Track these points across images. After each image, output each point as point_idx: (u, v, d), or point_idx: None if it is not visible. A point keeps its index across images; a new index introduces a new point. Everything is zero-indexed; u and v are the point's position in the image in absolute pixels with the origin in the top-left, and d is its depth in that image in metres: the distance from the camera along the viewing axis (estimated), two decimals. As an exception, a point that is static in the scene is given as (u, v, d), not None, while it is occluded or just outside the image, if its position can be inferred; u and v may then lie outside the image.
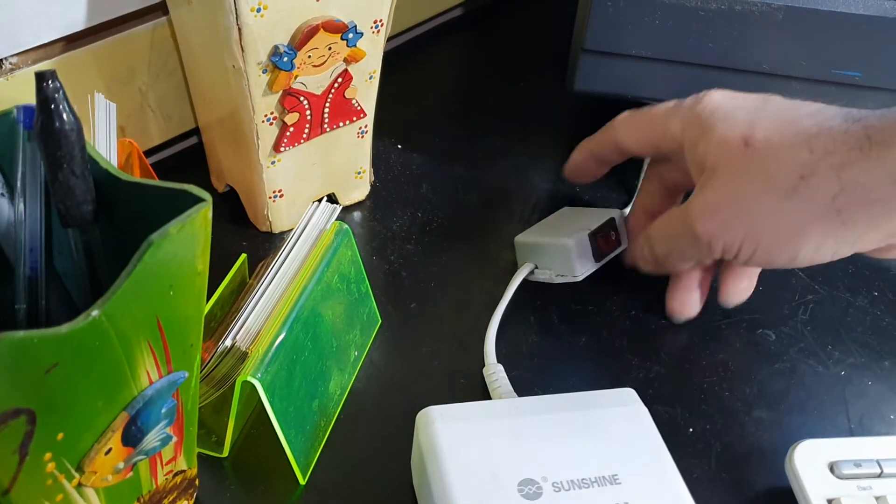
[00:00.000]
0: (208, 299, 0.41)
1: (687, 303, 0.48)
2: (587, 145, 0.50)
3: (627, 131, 0.47)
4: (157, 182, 0.30)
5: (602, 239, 0.49)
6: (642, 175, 0.53)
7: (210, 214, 0.28)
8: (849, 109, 0.39)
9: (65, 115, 0.29)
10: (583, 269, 0.49)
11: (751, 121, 0.41)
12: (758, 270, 0.49)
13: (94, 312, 0.26)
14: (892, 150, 0.37)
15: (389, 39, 0.70)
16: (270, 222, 0.52)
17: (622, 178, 0.58)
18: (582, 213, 0.53)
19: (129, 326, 0.27)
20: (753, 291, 0.51)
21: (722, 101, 0.43)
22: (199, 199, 0.28)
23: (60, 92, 0.29)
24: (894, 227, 0.39)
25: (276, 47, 0.44)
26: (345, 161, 0.53)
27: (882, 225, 0.39)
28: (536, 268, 0.50)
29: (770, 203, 0.39)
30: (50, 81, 0.29)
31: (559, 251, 0.49)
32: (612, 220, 0.50)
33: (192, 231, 0.28)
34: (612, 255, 0.50)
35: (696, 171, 0.43)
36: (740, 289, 0.48)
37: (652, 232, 0.46)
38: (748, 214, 0.40)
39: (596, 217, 0.50)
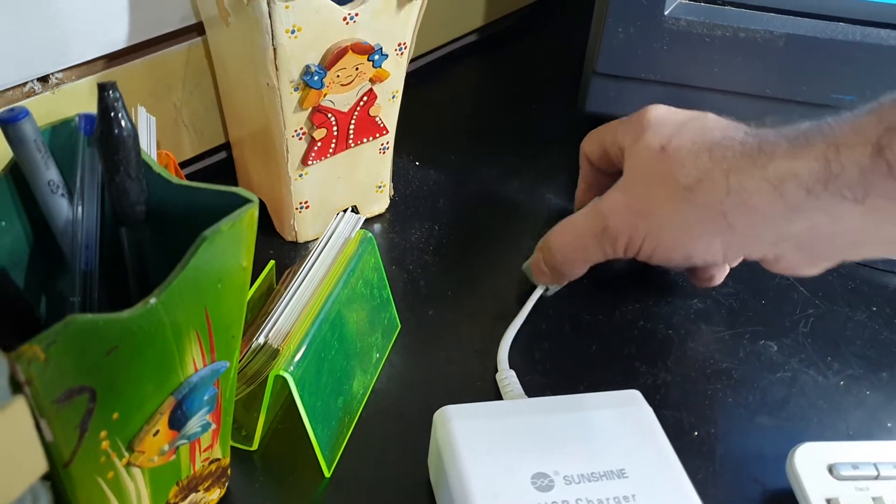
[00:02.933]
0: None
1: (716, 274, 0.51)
2: (581, 177, 0.54)
3: (587, 142, 0.52)
4: (207, 185, 0.32)
5: None
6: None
7: (256, 214, 0.31)
8: (758, 125, 0.42)
9: (123, 123, 0.32)
10: None
11: (673, 132, 0.44)
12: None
13: (152, 300, 0.28)
14: (774, 160, 0.39)
15: (411, 62, 0.74)
16: (296, 232, 0.55)
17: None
18: None
19: (181, 315, 0.30)
20: (757, 305, 0.54)
21: (658, 114, 0.46)
22: (247, 200, 0.31)
23: (119, 101, 0.32)
24: (773, 237, 0.41)
25: (307, 67, 0.46)
26: (367, 175, 0.56)
27: (761, 232, 0.41)
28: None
29: (669, 204, 0.43)
30: (111, 91, 0.31)
31: None
32: None
33: (241, 229, 0.30)
34: None
35: (625, 171, 0.47)
36: (708, 275, 0.51)
37: (551, 238, 0.49)
38: (651, 213, 0.43)
39: None
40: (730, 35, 0.51)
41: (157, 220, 0.35)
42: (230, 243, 0.30)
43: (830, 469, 0.42)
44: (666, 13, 0.51)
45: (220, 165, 0.61)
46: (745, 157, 0.40)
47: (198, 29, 0.54)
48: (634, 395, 0.42)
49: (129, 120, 0.32)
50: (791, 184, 0.39)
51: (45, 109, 0.48)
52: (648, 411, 0.41)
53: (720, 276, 0.51)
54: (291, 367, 0.39)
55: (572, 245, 0.48)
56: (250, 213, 0.30)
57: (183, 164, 0.59)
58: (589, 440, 0.39)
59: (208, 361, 0.33)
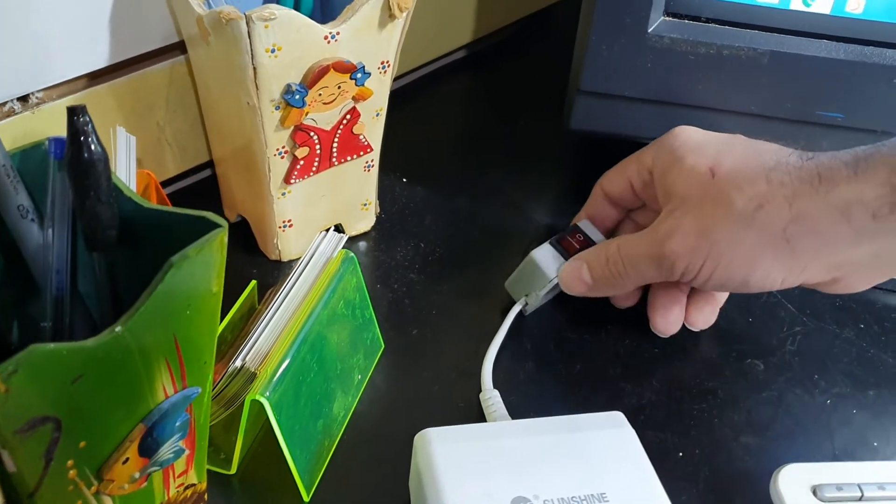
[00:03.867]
0: (219, 323, 0.44)
1: (671, 319, 0.50)
2: (582, 213, 0.54)
3: (606, 179, 0.52)
4: (177, 209, 0.32)
5: (565, 242, 0.51)
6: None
7: (226, 239, 0.31)
8: (804, 150, 0.43)
9: (93, 147, 0.31)
10: (555, 270, 0.51)
11: (718, 154, 0.45)
12: (722, 299, 0.52)
13: (118, 328, 0.28)
14: (837, 187, 0.40)
15: (397, 79, 0.73)
16: (280, 251, 0.54)
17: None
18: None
19: (149, 342, 0.30)
20: (744, 323, 0.54)
21: (691, 136, 0.47)
22: (216, 225, 0.30)
23: (90, 125, 0.31)
24: (836, 260, 0.42)
25: (288, 86, 0.46)
26: (352, 193, 0.55)
27: (825, 256, 0.42)
28: (527, 296, 0.52)
29: (730, 229, 0.43)
30: (80, 115, 0.31)
31: (530, 268, 0.51)
32: (575, 226, 0.52)
33: (209, 254, 0.30)
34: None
35: (664, 197, 0.47)
36: (704, 313, 0.51)
37: (603, 251, 0.49)
38: (711, 238, 0.43)
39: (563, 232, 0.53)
40: (714, 53, 0.51)
41: (129, 243, 0.34)
42: (199, 269, 0.30)
43: (814, 490, 0.42)
44: (649, 31, 0.51)
45: (204, 183, 0.60)
46: (806, 183, 0.41)
47: (181, 47, 0.54)
48: (617, 417, 0.42)
49: (100, 143, 0.32)
50: (857, 209, 0.40)
51: (25, 130, 0.48)
52: (631, 433, 0.41)
53: (714, 314, 0.52)
54: (268, 392, 0.38)
55: (626, 263, 0.47)
56: (220, 238, 0.30)
57: (166, 183, 0.58)
58: (570, 463, 0.39)
59: (179, 388, 0.33)
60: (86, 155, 0.31)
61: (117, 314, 0.29)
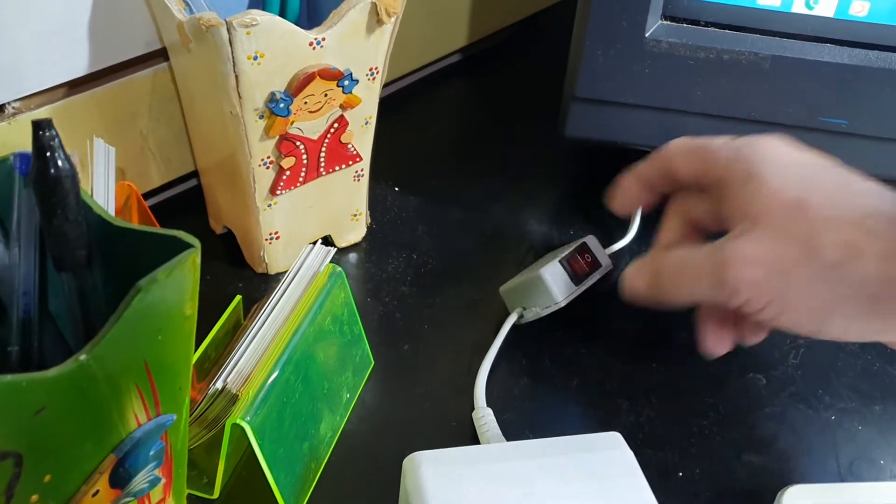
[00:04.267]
0: (202, 340, 0.42)
1: (723, 339, 0.46)
2: (639, 171, 0.48)
3: (683, 156, 0.45)
4: (147, 228, 0.30)
5: (575, 262, 0.49)
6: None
7: (198, 260, 0.29)
8: None
9: (60, 163, 0.30)
10: (562, 294, 0.49)
11: (807, 184, 0.40)
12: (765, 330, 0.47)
13: (83, 357, 0.26)
14: None
15: (389, 84, 0.72)
16: (267, 264, 0.53)
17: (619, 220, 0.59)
18: (560, 250, 0.53)
19: (118, 370, 0.28)
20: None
21: (778, 153, 0.41)
22: (188, 245, 0.29)
23: (56, 140, 0.30)
24: None
25: (272, 94, 0.45)
26: (341, 204, 0.54)
27: None
28: (524, 309, 0.50)
29: (809, 273, 0.38)
30: (46, 130, 0.30)
31: (536, 284, 0.49)
32: (583, 244, 0.51)
33: (181, 276, 0.28)
34: (593, 276, 0.50)
35: (734, 212, 0.42)
36: (721, 341, 0.46)
37: (669, 263, 0.44)
38: (784, 278, 0.39)
39: (570, 247, 0.51)
40: (713, 57, 0.49)
41: (102, 262, 0.33)
42: (169, 292, 0.28)
43: (820, 514, 0.40)
44: (647, 35, 0.49)
45: (189, 194, 0.59)
46: None
47: (164, 54, 0.52)
48: (615, 438, 0.40)
49: (67, 159, 0.30)
50: None
51: (1, 141, 0.46)
52: (629, 455, 0.39)
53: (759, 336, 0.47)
54: (249, 416, 0.37)
55: (685, 279, 0.43)
56: (191, 259, 0.29)
57: (151, 193, 0.57)
58: (566, 488, 0.37)
59: (153, 415, 0.31)
60: (52, 171, 0.30)
61: (89, 336, 0.27)
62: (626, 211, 0.49)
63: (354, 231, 0.56)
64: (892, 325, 0.38)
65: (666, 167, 0.46)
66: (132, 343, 0.28)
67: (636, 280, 0.45)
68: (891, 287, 0.37)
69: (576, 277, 0.49)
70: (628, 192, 0.48)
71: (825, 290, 0.38)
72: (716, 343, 0.46)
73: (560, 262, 0.49)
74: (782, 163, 0.41)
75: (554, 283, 0.48)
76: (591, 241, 0.51)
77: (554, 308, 0.49)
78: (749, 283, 0.39)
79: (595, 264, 0.50)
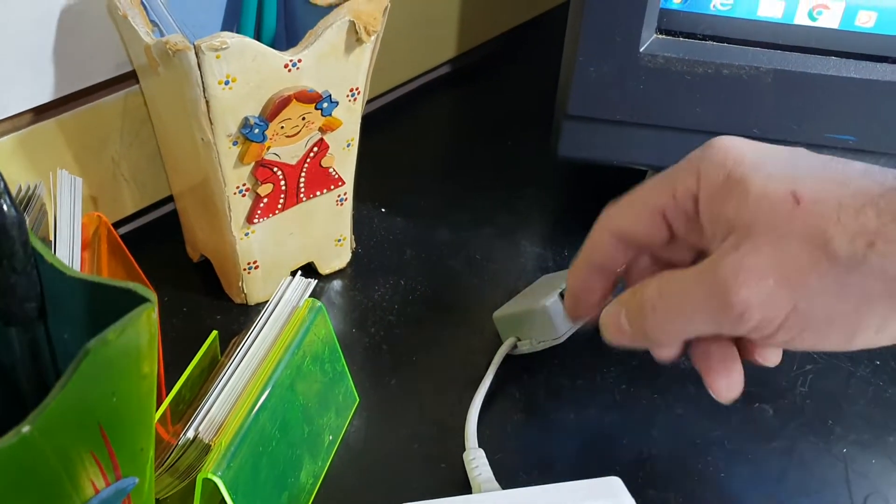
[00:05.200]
0: (176, 380, 0.40)
1: (735, 380, 0.39)
2: (580, 263, 0.42)
3: (620, 216, 0.40)
4: (100, 280, 0.28)
5: None
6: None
7: (154, 315, 0.26)
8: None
9: (5, 208, 0.27)
10: (564, 328, 0.45)
11: (792, 174, 0.34)
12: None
13: (25, 429, 0.24)
14: None
15: (375, 99, 0.69)
16: (245, 294, 0.50)
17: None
18: (557, 276, 0.50)
19: (67, 438, 0.25)
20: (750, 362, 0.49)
21: (744, 150, 0.36)
22: (143, 300, 0.26)
23: (1, 184, 0.27)
24: None
25: (246, 119, 0.42)
26: (323, 230, 0.51)
27: None
28: (518, 340, 0.47)
29: (827, 273, 0.32)
30: (-11, 174, 0.27)
31: (538, 317, 0.46)
32: None
33: (135, 334, 0.26)
34: None
35: (720, 229, 0.35)
36: (733, 382, 0.39)
37: (648, 294, 0.37)
38: (799, 285, 0.33)
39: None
40: (712, 72, 0.47)
41: (56, 311, 0.30)
42: (122, 353, 0.26)
43: (835, 561, 0.38)
44: (641, 50, 0.46)
45: (165, 220, 0.56)
46: None
47: (135, 75, 0.50)
48: (614, 484, 0.38)
49: (14, 206, 0.28)
50: None
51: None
52: (630, 503, 0.37)
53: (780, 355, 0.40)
54: (221, 471, 0.34)
55: (675, 311, 0.36)
56: (146, 314, 0.26)
57: (125, 221, 0.54)
58: (562, 541, 0.35)
59: (112, 480, 0.28)
60: (-3, 219, 0.27)
61: (42, 393, 0.24)
62: (588, 315, 0.42)
63: (338, 257, 0.54)
64: None
65: (609, 236, 0.40)
66: (83, 408, 0.26)
67: (617, 322, 0.38)
68: None
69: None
70: (583, 289, 0.42)
71: (852, 289, 0.32)
72: (729, 385, 0.39)
73: (561, 294, 0.46)
74: (754, 160, 0.35)
75: (557, 317, 0.45)
76: None
77: (552, 343, 0.46)
78: (759, 302, 0.33)
79: None
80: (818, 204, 0.33)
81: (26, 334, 0.30)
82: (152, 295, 0.27)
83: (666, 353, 0.39)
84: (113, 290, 0.27)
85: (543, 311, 0.45)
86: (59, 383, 0.24)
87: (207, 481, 0.34)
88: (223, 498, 0.40)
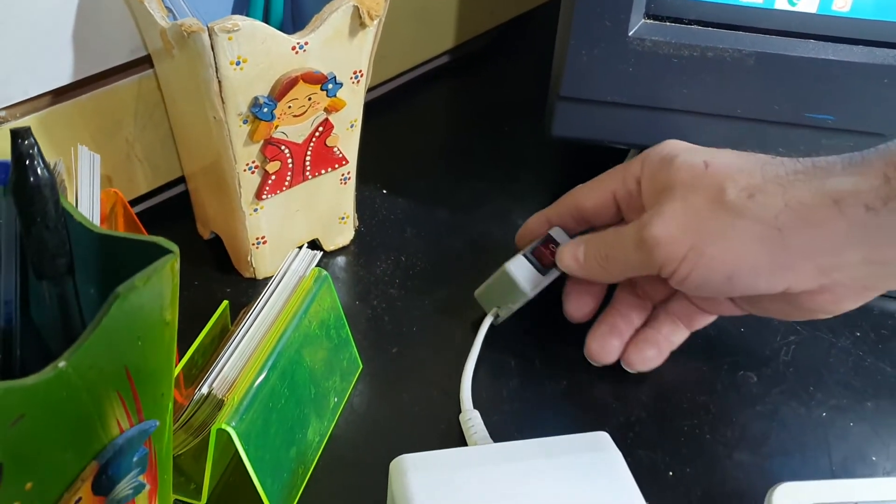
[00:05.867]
0: (189, 347, 0.42)
1: (607, 348, 0.49)
2: (542, 213, 0.52)
3: (582, 191, 0.50)
4: (126, 234, 0.30)
5: (540, 253, 0.49)
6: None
7: (177, 266, 0.29)
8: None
9: (39, 171, 0.30)
10: (530, 285, 0.49)
11: (710, 152, 0.43)
12: (673, 341, 0.49)
13: (61, 364, 0.26)
14: (832, 177, 0.39)
15: (377, 87, 0.72)
16: (254, 268, 0.53)
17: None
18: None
19: (98, 377, 0.28)
20: (736, 332, 0.52)
21: (682, 145, 0.45)
22: (167, 251, 0.29)
23: (35, 148, 0.30)
24: (826, 262, 0.40)
25: (256, 98, 0.44)
26: (328, 207, 0.54)
27: (816, 255, 0.40)
28: (499, 308, 0.50)
29: (719, 218, 0.41)
30: (24, 139, 0.29)
31: (503, 280, 0.49)
32: (548, 235, 0.50)
33: (159, 282, 0.28)
34: None
35: (653, 197, 0.45)
36: (646, 357, 0.48)
37: (601, 236, 0.47)
38: (697, 227, 0.41)
39: (536, 241, 0.51)
40: (697, 55, 0.49)
41: (83, 269, 0.33)
42: (147, 298, 0.28)
43: (811, 511, 0.40)
44: (630, 34, 0.49)
45: (176, 200, 0.58)
46: (801, 174, 0.40)
47: (149, 60, 0.52)
48: (602, 438, 0.40)
49: (46, 167, 0.30)
50: (850, 199, 0.38)
51: (-14, 149, 0.46)
52: (617, 455, 0.39)
53: (659, 358, 0.49)
54: (234, 421, 0.37)
55: (614, 248, 0.46)
56: (170, 265, 0.28)
57: (138, 200, 0.57)
58: (553, 488, 0.37)
59: (135, 421, 0.31)
60: (31, 179, 0.30)
61: (70, 344, 0.27)
62: (587, 312, 0.51)
63: (342, 234, 0.56)
64: (797, 260, 0.40)
65: (572, 205, 0.50)
66: (112, 350, 0.28)
67: (571, 253, 0.48)
68: (792, 212, 0.39)
69: (543, 268, 0.49)
70: (534, 231, 0.51)
71: (735, 230, 0.40)
72: (601, 350, 0.49)
73: (524, 254, 0.49)
74: (686, 146, 0.45)
75: (521, 276, 0.48)
76: (557, 232, 0.50)
77: (524, 301, 0.49)
78: (666, 239, 0.42)
79: None
80: (722, 167, 0.42)
81: (56, 288, 0.32)
82: (175, 247, 0.29)
83: (576, 312, 0.51)
84: (138, 243, 0.30)
85: (506, 273, 0.49)
86: (92, 324, 0.27)
87: (221, 432, 0.37)
88: (235, 453, 0.42)
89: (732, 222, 0.40)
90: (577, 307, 0.51)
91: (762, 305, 0.45)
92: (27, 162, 0.30)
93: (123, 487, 0.32)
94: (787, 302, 0.43)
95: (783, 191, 0.40)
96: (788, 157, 0.41)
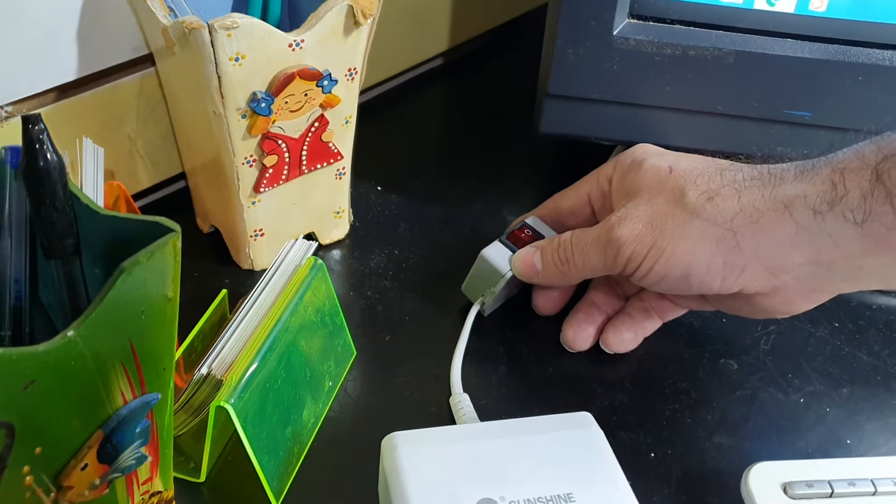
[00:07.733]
0: (189, 333, 0.44)
1: (582, 335, 0.51)
2: (526, 216, 0.54)
3: (562, 193, 0.53)
4: (131, 215, 0.32)
5: (514, 237, 0.52)
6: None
7: (179, 244, 0.31)
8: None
9: (48, 155, 0.31)
10: (506, 264, 0.51)
11: (677, 157, 0.47)
12: (648, 328, 0.51)
13: (70, 333, 0.28)
14: (784, 184, 0.42)
15: (372, 88, 0.74)
16: (252, 260, 0.54)
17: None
18: None
19: (104, 348, 0.30)
20: (717, 322, 0.54)
21: (652, 149, 0.48)
22: (169, 230, 0.30)
23: (44, 133, 0.31)
24: (777, 263, 0.42)
25: (254, 94, 0.46)
26: (324, 201, 0.55)
27: (767, 256, 0.42)
28: (484, 297, 0.52)
29: (679, 218, 0.43)
30: (34, 124, 0.31)
31: (482, 266, 0.51)
32: (524, 223, 0.52)
33: (162, 259, 0.30)
34: None
35: (622, 198, 0.47)
36: (623, 339, 0.51)
37: (566, 238, 0.49)
38: (659, 226, 0.44)
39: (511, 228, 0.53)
40: (679, 53, 0.51)
41: (89, 250, 0.34)
42: (151, 274, 0.30)
43: (785, 488, 0.42)
44: (614, 33, 0.51)
45: (177, 195, 0.60)
46: (756, 179, 0.43)
47: (150, 59, 0.54)
48: (585, 417, 0.42)
49: (55, 151, 0.32)
50: (800, 203, 0.41)
51: (-6, 143, 0.48)
52: (598, 433, 0.41)
53: (635, 341, 0.52)
54: (233, 399, 0.38)
55: (575, 250, 0.48)
56: (172, 243, 0.30)
57: (140, 195, 0.58)
58: (537, 464, 0.39)
59: (138, 393, 0.32)
60: (41, 163, 0.31)
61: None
62: (556, 307, 0.54)
63: (337, 228, 0.58)
64: (749, 261, 0.42)
65: (553, 209, 0.53)
66: (117, 322, 0.30)
67: (527, 261, 0.50)
68: (745, 216, 0.42)
69: (517, 249, 0.51)
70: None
71: (692, 230, 0.43)
72: (575, 337, 0.51)
73: (499, 239, 0.52)
74: (656, 151, 0.48)
75: (496, 257, 0.51)
76: (534, 220, 0.53)
77: (503, 282, 0.50)
78: (630, 239, 0.44)
79: (536, 237, 0.52)
80: (685, 171, 0.45)
81: (65, 267, 0.33)
82: (176, 226, 0.31)
83: (545, 306, 0.53)
84: (141, 223, 0.31)
85: (482, 258, 0.51)
86: (98, 297, 0.29)
87: (220, 409, 0.38)
88: (233, 434, 0.44)
89: (691, 223, 0.43)
90: (545, 302, 0.53)
91: (725, 303, 0.48)
92: (37, 146, 0.31)
93: (127, 457, 0.34)
94: (745, 302, 0.46)
95: (739, 195, 0.42)
96: (765, 159, 0.44)
